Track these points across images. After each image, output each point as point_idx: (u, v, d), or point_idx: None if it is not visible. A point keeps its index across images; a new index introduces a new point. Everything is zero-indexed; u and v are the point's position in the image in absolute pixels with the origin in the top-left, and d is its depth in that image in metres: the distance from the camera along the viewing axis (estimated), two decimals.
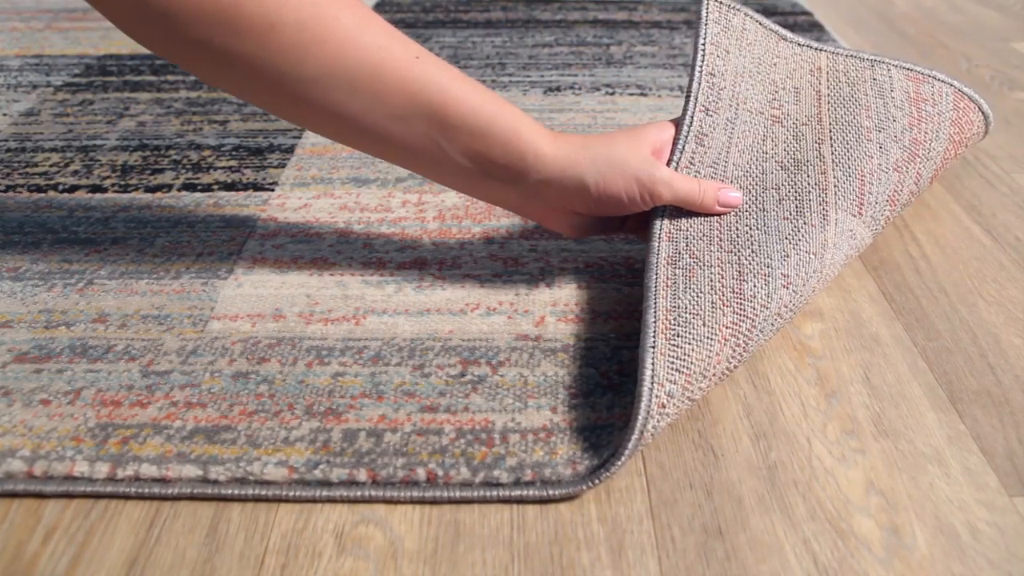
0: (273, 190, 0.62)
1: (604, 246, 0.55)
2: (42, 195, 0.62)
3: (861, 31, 0.97)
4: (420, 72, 0.42)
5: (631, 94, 0.78)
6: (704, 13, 0.52)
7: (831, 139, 0.49)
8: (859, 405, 0.43)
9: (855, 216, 0.46)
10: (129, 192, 0.62)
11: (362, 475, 0.38)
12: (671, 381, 0.38)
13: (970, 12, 1.04)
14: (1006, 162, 0.67)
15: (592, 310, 0.49)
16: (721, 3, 0.52)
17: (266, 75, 0.40)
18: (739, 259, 0.43)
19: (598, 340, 0.47)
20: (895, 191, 0.49)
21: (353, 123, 0.43)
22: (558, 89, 0.79)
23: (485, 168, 0.45)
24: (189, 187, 0.63)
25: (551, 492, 0.38)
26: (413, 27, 0.97)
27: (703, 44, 0.51)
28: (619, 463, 0.37)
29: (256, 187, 0.62)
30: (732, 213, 0.46)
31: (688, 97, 0.50)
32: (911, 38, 0.95)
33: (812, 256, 0.44)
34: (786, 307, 0.42)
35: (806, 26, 0.97)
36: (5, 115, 0.75)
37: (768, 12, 1.01)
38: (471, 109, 0.43)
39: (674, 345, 0.39)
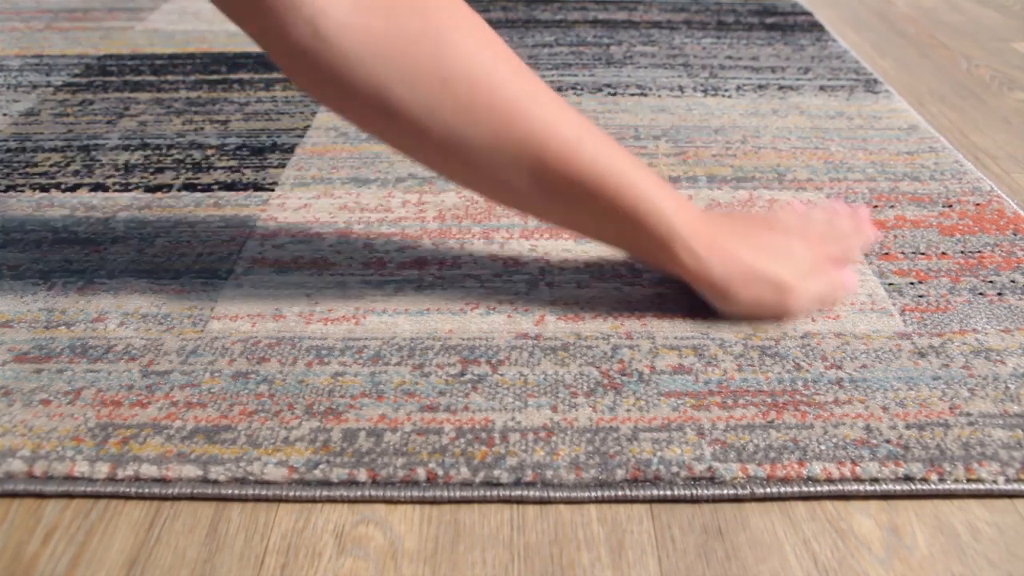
0: (273, 190, 0.62)
1: (604, 246, 0.55)
2: (43, 194, 0.62)
3: (861, 31, 0.97)
4: (582, 157, 0.41)
5: (632, 94, 0.78)
6: None
7: None
8: None
9: None
10: (130, 191, 0.62)
11: (362, 475, 0.38)
12: None
13: (970, 12, 1.04)
14: (1006, 162, 0.67)
15: (592, 308, 0.49)
16: None
17: (435, 133, 0.39)
18: None
19: (599, 338, 0.47)
20: None
21: (508, 192, 0.43)
22: (559, 90, 0.79)
23: (628, 246, 0.47)
24: (189, 187, 0.63)
25: (553, 494, 0.38)
26: None
27: None
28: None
29: (256, 187, 0.62)
30: None
31: None
32: (911, 38, 0.95)
33: None
34: None
35: (806, 26, 0.97)
36: (5, 115, 0.75)
37: (768, 12, 1.01)
38: (632, 202, 0.43)
39: None
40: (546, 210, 0.44)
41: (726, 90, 0.79)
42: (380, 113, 0.39)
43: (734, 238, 0.46)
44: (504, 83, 0.39)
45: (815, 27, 0.96)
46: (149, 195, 0.62)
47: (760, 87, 0.80)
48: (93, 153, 0.68)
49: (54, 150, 0.68)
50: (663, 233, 0.44)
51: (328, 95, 0.39)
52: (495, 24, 0.98)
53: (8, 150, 0.68)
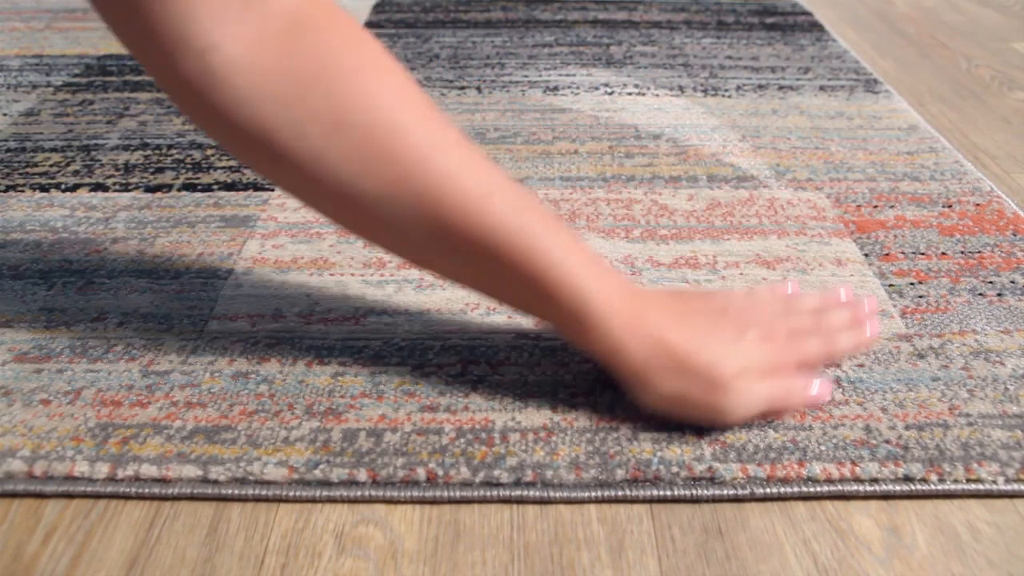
0: (273, 190, 0.62)
1: (604, 244, 0.55)
2: (43, 194, 0.62)
3: (861, 31, 0.97)
4: (489, 214, 0.37)
5: (630, 94, 0.78)
6: None
7: None
8: None
9: None
10: (130, 191, 0.62)
11: (362, 475, 0.38)
12: None
13: (970, 12, 1.04)
14: (1006, 162, 0.67)
15: None
16: None
17: (325, 181, 0.36)
18: None
19: None
20: None
21: (408, 247, 0.40)
22: (557, 89, 0.79)
23: (538, 314, 0.42)
24: (189, 187, 0.63)
25: (553, 494, 0.38)
26: (413, 27, 0.97)
27: None
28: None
29: (256, 187, 0.62)
30: None
31: None
32: (911, 38, 0.95)
33: None
34: None
35: (806, 26, 0.97)
36: (5, 115, 0.75)
37: (768, 12, 1.02)
38: (543, 267, 0.38)
39: None
40: (451, 270, 0.40)
41: (726, 90, 0.79)
42: (265, 156, 0.36)
43: (665, 317, 0.40)
44: (406, 130, 0.36)
45: (815, 27, 0.96)
46: (149, 195, 0.62)
47: (760, 87, 0.80)
48: (93, 153, 0.68)
49: (54, 150, 0.68)
50: (576, 305, 0.38)
51: (213, 131, 0.37)
52: (495, 24, 0.98)
53: (8, 150, 0.68)
